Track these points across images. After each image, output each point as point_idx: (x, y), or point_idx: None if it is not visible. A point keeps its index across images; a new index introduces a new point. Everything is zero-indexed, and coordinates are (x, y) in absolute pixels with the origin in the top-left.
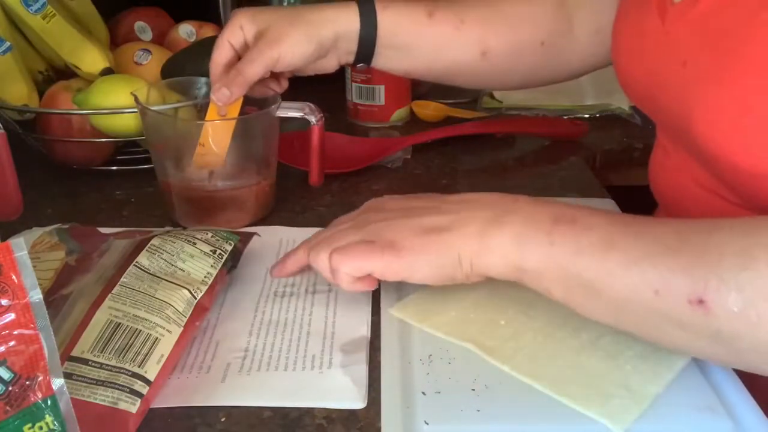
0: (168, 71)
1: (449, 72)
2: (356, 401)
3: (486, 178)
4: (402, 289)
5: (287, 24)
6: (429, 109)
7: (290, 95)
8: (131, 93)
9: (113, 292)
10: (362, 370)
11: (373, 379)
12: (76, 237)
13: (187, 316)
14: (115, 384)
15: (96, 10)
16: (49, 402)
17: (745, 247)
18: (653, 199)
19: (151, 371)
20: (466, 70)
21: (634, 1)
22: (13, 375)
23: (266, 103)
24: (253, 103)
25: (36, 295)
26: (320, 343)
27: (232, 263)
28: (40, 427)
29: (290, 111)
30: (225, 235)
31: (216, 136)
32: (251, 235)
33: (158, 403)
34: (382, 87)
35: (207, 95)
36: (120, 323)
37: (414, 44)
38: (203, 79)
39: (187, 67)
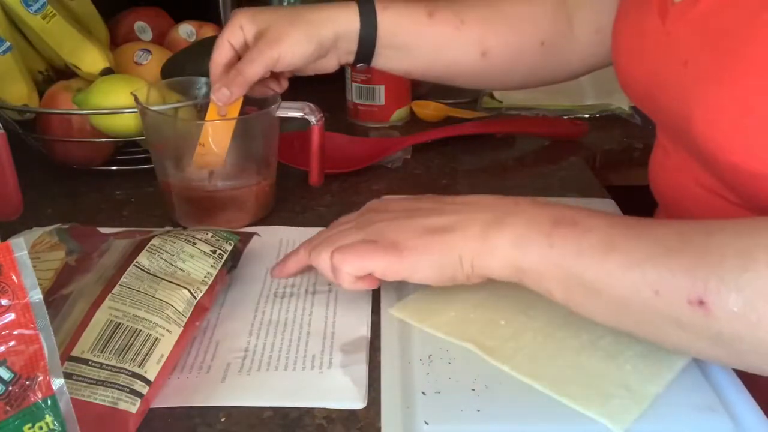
0: (168, 71)
1: (449, 72)
2: (356, 401)
3: (486, 178)
4: (402, 289)
5: (287, 24)
6: (429, 109)
7: (290, 95)
8: (131, 93)
9: (113, 292)
10: (362, 370)
11: (373, 379)
12: (76, 237)
13: (187, 316)
14: (115, 384)
15: (96, 10)
16: (49, 402)
17: (745, 249)
18: (653, 199)
19: (151, 371)
20: (466, 70)
21: (634, 1)
22: (13, 375)
23: (266, 103)
24: (253, 103)
25: (36, 295)
26: (320, 343)
27: (232, 263)
28: (40, 427)
29: (290, 111)
30: (225, 235)
31: (216, 136)
32: (251, 235)
33: (158, 403)
34: (382, 87)
35: (207, 95)
36: (120, 323)
37: (414, 44)
38: (203, 79)
39: (187, 67)
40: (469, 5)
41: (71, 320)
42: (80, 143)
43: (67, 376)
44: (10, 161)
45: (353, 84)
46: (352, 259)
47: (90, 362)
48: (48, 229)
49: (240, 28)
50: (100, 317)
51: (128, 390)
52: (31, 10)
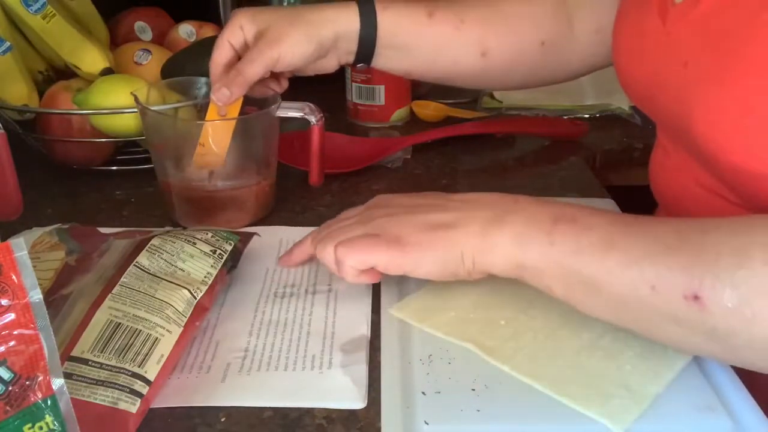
0: (168, 71)
1: (449, 72)
2: (356, 401)
3: (486, 178)
4: (402, 288)
5: (287, 24)
6: (429, 109)
7: (290, 95)
8: (131, 93)
9: (113, 292)
10: (362, 370)
11: (373, 379)
12: (76, 237)
13: (187, 316)
14: (115, 384)
15: (96, 10)
16: (49, 402)
17: (741, 246)
18: (653, 199)
19: (151, 371)
20: (466, 71)
21: (634, 1)
22: (13, 375)
23: (266, 103)
24: (253, 103)
25: (36, 295)
26: (320, 343)
27: (232, 263)
28: (40, 427)
29: (290, 111)
30: (225, 235)
31: (216, 136)
32: (251, 235)
33: (158, 403)
34: (382, 87)
35: (207, 95)
36: (120, 323)
37: (414, 44)
38: (203, 79)
39: (187, 67)
40: (469, 5)
41: (71, 320)
42: (80, 143)
43: (67, 376)
44: (10, 161)
45: (353, 84)
46: (355, 252)
47: (90, 362)
48: (48, 229)
49: (240, 28)
50: (100, 317)
51: (128, 390)
52: (31, 10)
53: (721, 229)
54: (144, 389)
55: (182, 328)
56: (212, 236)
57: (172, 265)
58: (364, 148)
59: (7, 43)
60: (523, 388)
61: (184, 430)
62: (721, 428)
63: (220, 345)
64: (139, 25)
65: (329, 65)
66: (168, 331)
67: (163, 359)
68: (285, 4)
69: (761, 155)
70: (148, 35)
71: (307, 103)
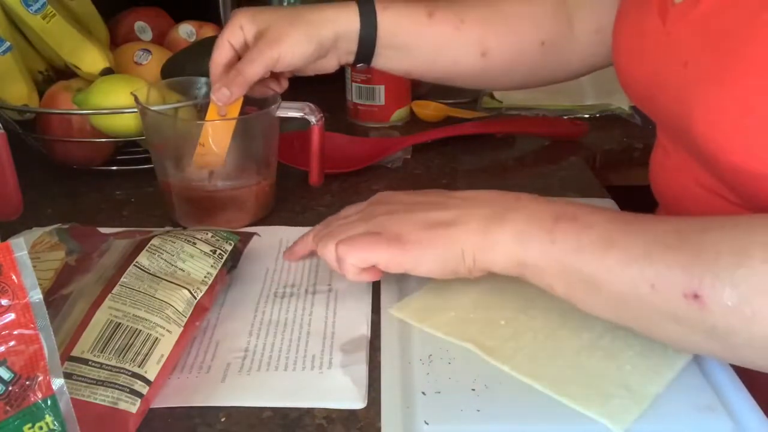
0: (168, 71)
1: (449, 72)
2: (356, 401)
3: (486, 178)
4: (402, 288)
5: (287, 24)
6: (429, 109)
7: (290, 95)
8: (131, 93)
9: (113, 292)
10: (362, 370)
11: (373, 379)
12: (76, 237)
13: (187, 316)
14: (115, 384)
15: (96, 10)
16: (49, 402)
17: (741, 246)
18: (653, 199)
19: (151, 371)
20: (466, 70)
21: (634, 1)
22: (13, 375)
23: (266, 103)
24: (253, 103)
25: (36, 295)
26: (320, 343)
27: (232, 263)
28: (40, 427)
29: (290, 111)
30: (225, 235)
31: (216, 136)
32: (251, 235)
33: (158, 403)
34: (382, 87)
35: (207, 95)
36: (120, 323)
37: (414, 44)
38: (203, 79)
39: (187, 67)
40: (469, 5)
41: (71, 320)
42: (80, 143)
43: (67, 376)
44: (10, 161)
45: (353, 84)
46: (356, 251)
47: (90, 362)
48: (48, 229)
49: (240, 28)
50: (100, 317)
51: (128, 390)
52: (31, 10)
53: (721, 228)
54: (144, 389)
55: (182, 328)
56: (212, 236)
57: (172, 265)
58: (364, 148)
59: (7, 43)
60: (523, 388)
61: (184, 430)
62: (721, 428)
63: (220, 345)
64: (139, 25)
65: (329, 65)
66: (168, 331)
67: (163, 359)
68: (285, 4)
69: (761, 155)
70: (148, 35)
71: (307, 103)
